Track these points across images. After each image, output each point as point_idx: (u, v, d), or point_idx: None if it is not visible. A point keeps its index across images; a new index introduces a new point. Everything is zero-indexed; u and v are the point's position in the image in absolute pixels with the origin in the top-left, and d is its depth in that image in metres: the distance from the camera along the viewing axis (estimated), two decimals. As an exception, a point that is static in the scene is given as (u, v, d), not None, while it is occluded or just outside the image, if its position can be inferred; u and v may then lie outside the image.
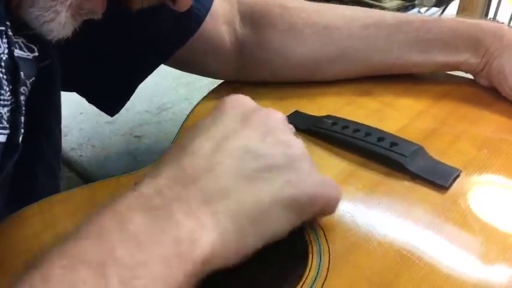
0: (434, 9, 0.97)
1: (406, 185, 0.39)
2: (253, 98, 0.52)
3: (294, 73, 0.54)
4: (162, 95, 0.78)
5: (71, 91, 0.53)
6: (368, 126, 0.44)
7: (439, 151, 0.42)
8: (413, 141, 0.43)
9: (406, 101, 0.51)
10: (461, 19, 0.53)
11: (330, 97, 0.53)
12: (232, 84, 0.56)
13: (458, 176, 0.40)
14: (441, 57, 0.52)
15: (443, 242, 0.35)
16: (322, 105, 0.50)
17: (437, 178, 0.39)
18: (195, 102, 0.71)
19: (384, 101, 0.51)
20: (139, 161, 0.64)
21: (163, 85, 0.80)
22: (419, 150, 0.42)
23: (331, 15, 0.54)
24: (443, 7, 0.93)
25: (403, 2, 0.95)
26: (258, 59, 0.54)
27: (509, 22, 0.84)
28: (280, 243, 0.35)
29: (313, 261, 0.33)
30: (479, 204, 0.38)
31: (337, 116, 0.47)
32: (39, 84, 0.39)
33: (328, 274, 0.32)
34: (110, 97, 0.54)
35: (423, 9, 0.93)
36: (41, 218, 0.37)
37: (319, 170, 0.40)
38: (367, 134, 0.43)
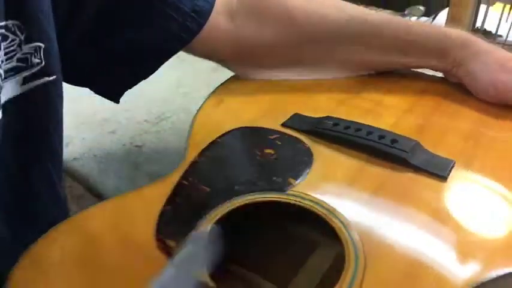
0: (424, 18, 1.00)
1: (411, 177, 0.42)
2: (250, 101, 0.55)
3: (278, 52, 0.58)
4: (160, 105, 0.79)
5: (75, 84, 0.53)
6: (368, 125, 0.47)
7: (431, 145, 0.45)
8: (409, 137, 0.46)
9: (392, 100, 0.55)
10: (435, 26, 0.58)
11: (322, 99, 0.55)
12: (230, 87, 0.58)
13: (453, 166, 0.43)
14: (413, 59, 0.57)
15: (458, 226, 0.38)
16: (317, 107, 0.53)
17: (437, 169, 0.42)
18: (193, 112, 0.73)
19: (373, 101, 0.54)
20: (141, 169, 0.65)
21: (161, 96, 0.82)
22: (417, 145, 0.45)
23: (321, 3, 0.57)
24: (433, 16, 0.95)
25: (394, 11, 0.98)
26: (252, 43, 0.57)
27: (497, 30, 0.86)
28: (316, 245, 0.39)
29: (350, 256, 0.35)
30: (476, 190, 0.42)
31: (336, 116, 0.49)
32: (43, 101, 0.39)
33: (366, 270, 0.34)
34: (118, 88, 0.55)
35: (413, 19, 0.96)
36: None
37: (328, 168, 0.43)
38: (369, 133, 0.45)
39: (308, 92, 0.56)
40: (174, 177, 0.42)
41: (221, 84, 0.59)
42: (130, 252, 0.36)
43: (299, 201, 0.39)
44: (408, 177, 0.42)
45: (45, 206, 0.43)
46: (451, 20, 0.87)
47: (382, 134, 0.45)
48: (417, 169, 0.42)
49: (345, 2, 0.57)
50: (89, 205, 0.62)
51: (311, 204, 0.39)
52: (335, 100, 0.54)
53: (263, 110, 0.53)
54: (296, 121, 0.49)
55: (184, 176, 0.42)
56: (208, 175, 0.43)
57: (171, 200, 0.40)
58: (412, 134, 0.46)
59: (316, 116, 0.50)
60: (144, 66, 0.53)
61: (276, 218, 0.42)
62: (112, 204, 0.41)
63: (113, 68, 0.52)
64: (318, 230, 0.40)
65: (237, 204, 0.39)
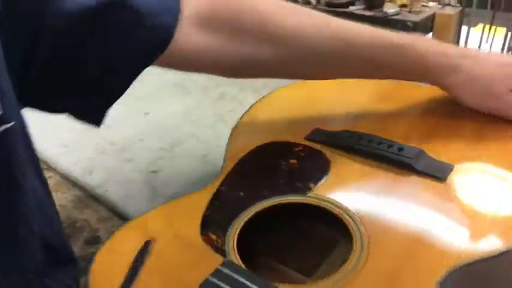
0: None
1: (415, 179, 0.49)
2: (277, 119, 0.63)
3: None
4: (170, 132, 0.84)
5: (53, 112, 0.51)
6: (378, 136, 0.54)
7: (434, 151, 0.52)
8: (415, 146, 0.52)
9: (399, 113, 0.61)
10: (426, 52, 0.57)
11: (338, 115, 0.63)
12: (258, 109, 0.66)
13: (451, 169, 0.50)
14: (399, 78, 0.60)
15: (449, 218, 0.44)
16: (335, 122, 0.60)
17: (437, 173, 0.49)
18: (203, 139, 0.78)
19: (383, 115, 0.61)
20: (158, 192, 0.70)
21: (171, 124, 0.87)
22: (421, 153, 0.52)
23: (304, 20, 0.56)
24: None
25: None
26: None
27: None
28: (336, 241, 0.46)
29: (356, 244, 0.42)
30: (470, 189, 0.48)
31: (351, 130, 0.56)
32: (5, 147, 0.39)
33: (370, 249, 0.41)
34: (94, 112, 0.52)
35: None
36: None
37: (344, 174, 0.50)
38: (379, 143, 0.53)
39: (326, 108, 0.65)
40: (215, 185, 0.50)
41: (251, 106, 0.67)
42: (182, 244, 0.43)
43: (318, 202, 0.47)
44: (413, 180, 0.49)
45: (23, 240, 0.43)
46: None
47: (390, 144, 0.53)
48: (420, 173, 0.50)
49: (327, 21, 0.57)
50: (115, 226, 0.67)
51: (328, 204, 0.46)
52: (350, 116, 0.62)
53: (288, 125, 0.61)
54: (317, 134, 0.57)
55: (223, 184, 0.50)
56: (242, 182, 0.50)
57: (213, 203, 0.48)
58: (417, 143, 0.53)
59: (334, 130, 0.57)
60: (114, 87, 0.51)
61: (297, 217, 0.49)
62: (166, 208, 0.48)
63: (82, 94, 0.50)
64: (336, 227, 0.46)
65: (266, 206, 0.46)
